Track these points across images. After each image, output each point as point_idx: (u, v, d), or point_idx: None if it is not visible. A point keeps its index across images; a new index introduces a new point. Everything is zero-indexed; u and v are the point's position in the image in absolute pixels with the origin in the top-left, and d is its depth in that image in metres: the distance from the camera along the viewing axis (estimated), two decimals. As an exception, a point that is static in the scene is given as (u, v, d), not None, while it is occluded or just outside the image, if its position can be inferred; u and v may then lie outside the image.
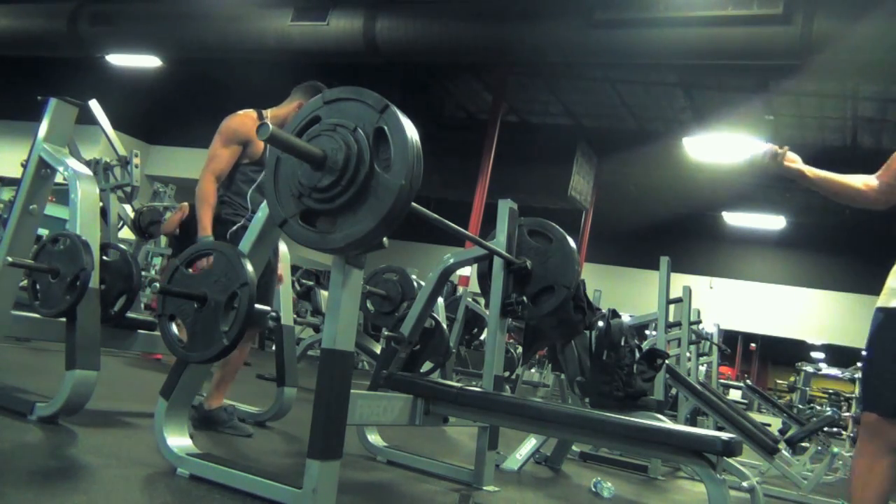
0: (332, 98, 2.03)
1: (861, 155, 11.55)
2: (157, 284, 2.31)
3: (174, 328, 2.34)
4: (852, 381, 10.02)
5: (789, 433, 5.78)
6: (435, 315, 3.23)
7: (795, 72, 8.29)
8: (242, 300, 2.19)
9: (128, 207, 6.26)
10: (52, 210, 5.70)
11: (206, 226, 2.96)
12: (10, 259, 2.77)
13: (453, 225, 2.63)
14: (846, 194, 2.30)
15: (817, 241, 14.95)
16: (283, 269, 3.48)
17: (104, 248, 3.00)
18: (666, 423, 2.79)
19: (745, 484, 3.31)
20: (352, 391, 2.14)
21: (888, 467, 2.00)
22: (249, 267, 2.23)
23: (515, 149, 12.01)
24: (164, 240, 7.93)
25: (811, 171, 2.30)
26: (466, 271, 9.98)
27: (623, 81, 11.71)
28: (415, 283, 4.87)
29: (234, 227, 3.11)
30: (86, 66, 11.49)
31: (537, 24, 8.13)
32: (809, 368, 10.57)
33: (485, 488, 2.96)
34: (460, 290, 7.65)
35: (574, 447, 4.43)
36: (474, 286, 5.57)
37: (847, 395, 11.07)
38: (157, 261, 8.65)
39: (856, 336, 14.85)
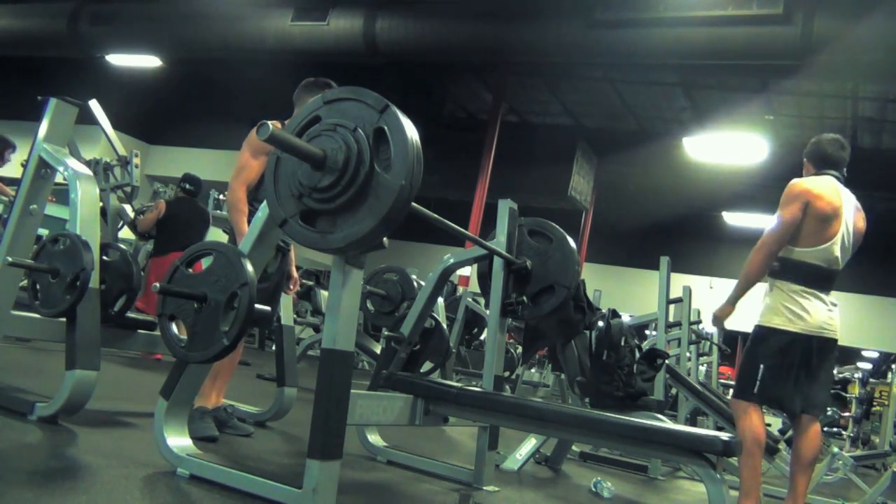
0: (332, 98, 2.03)
1: (861, 155, 11.53)
2: (157, 284, 2.31)
3: (174, 328, 2.34)
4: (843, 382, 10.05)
5: (789, 433, 5.78)
6: (435, 315, 3.23)
7: (795, 72, 8.28)
8: (242, 300, 2.18)
9: (128, 207, 6.25)
10: (52, 210, 5.69)
11: (244, 231, 2.95)
12: (10, 259, 2.77)
13: (453, 225, 2.63)
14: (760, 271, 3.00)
15: (817, 241, 14.91)
16: (295, 276, 3.48)
17: (104, 248, 3.00)
18: (666, 423, 2.79)
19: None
20: (352, 391, 2.14)
21: None
22: (249, 267, 2.23)
23: (515, 149, 12.00)
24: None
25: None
26: (466, 271, 9.97)
27: (623, 81, 11.70)
28: (415, 283, 4.87)
29: None
30: (86, 66, 11.49)
31: (537, 24, 8.13)
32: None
33: (485, 488, 2.97)
34: (460, 290, 7.65)
35: (574, 447, 4.42)
36: (474, 286, 5.57)
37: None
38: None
39: (855, 336, 14.85)
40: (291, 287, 3.47)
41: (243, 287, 2.19)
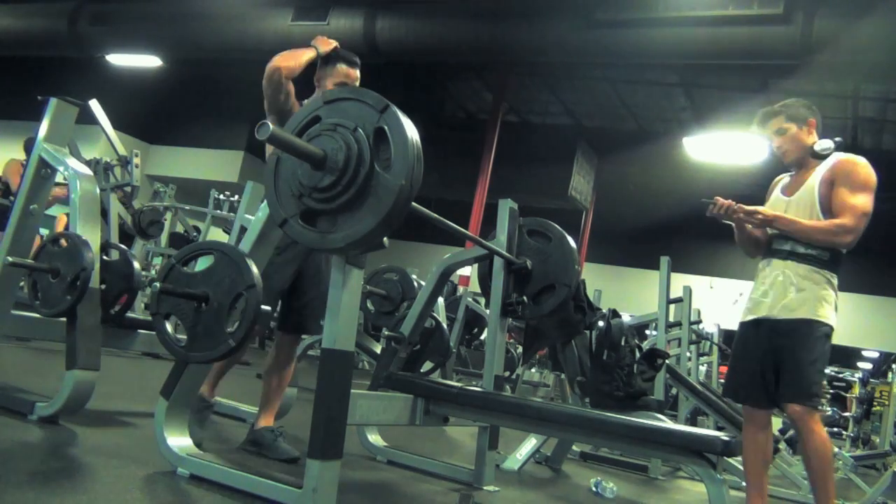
0: (333, 98, 2.03)
1: (862, 155, 11.52)
2: (158, 284, 2.30)
3: (169, 327, 2.34)
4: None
5: (789, 433, 5.78)
6: (435, 315, 3.23)
7: (795, 72, 8.29)
8: (250, 303, 2.18)
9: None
10: (53, 210, 5.69)
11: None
12: (10, 259, 2.77)
13: (453, 225, 2.63)
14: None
15: (817, 241, 14.93)
16: None
17: (104, 248, 3.00)
18: (666, 423, 2.79)
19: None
20: (352, 391, 2.14)
21: (764, 440, 2.73)
22: (255, 269, 2.22)
23: (515, 149, 12.02)
24: (164, 240, 7.92)
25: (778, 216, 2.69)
26: (466, 271, 9.98)
27: (623, 81, 11.71)
28: (415, 283, 4.87)
29: None
30: (86, 66, 11.49)
31: (537, 24, 8.13)
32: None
33: (485, 488, 2.96)
34: (460, 290, 7.65)
35: (574, 447, 4.42)
36: (474, 286, 5.57)
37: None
38: (157, 260, 8.65)
39: (856, 336, 14.85)
40: None
41: (250, 289, 2.18)
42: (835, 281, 2.65)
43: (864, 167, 2.66)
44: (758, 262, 2.83)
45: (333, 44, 2.95)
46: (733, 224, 2.82)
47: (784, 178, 2.89)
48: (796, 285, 2.63)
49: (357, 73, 2.98)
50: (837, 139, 2.76)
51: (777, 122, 2.80)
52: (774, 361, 2.64)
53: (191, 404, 2.94)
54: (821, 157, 2.73)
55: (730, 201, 2.71)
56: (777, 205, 2.79)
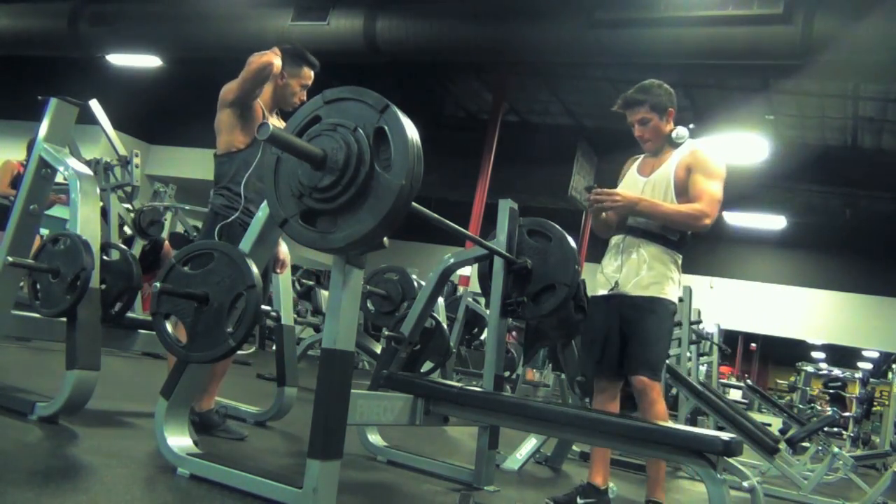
0: (333, 98, 2.03)
1: (862, 155, 11.54)
2: (157, 284, 2.30)
3: (169, 327, 2.34)
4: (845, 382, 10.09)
5: (790, 433, 5.78)
6: (435, 315, 3.23)
7: (796, 71, 8.28)
8: (250, 302, 2.18)
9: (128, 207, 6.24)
10: (53, 210, 5.69)
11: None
12: (10, 259, 2.77)
13: (453, 225, 2.64)
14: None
15: (818, 241, 14.93)
16: (284, 258, 3.37)
17: (104, 248, 3.00)
18: (666, 423, 2.79)
19: (745, 484, 3.30)
20: (352, 391, 2.14)
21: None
22: (255, 269, 2.23)
23: (515, 149, 12.00)
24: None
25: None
26: (466, 271, 9.97)
27: (623, 81, 11.63)
28: (415, 283, 4.87)
29: (224, 222, 2.93)
30: (86, 66, 11.48)
31: (537, 24, 8.13)
32: (810, 368, 10.58)
33: (485, 488, 2.96)
34: (460, 290, 7.65)
35: (574, 447, 4.42)
36: (474, 286, 5.56)
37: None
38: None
39: (856, 336, 14.86)
40: (279, 270, 3.36)
41: (250, 289, 2.18)
42: (679, 261, 2.88)
43: (718, 157, 2.87)
44: (610, 240, 3.02)
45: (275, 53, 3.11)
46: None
47: (638, 159, 3.07)
48: (648, 264, 2.83)
49: (313, 76, 3.24)
50: (691, 126, 2.94)
51: (642, 111, 2.95)
52: (623, 335, 2.80)
53: (206, 422, 3.00)
54: (676, 144, 2.91)
55: (605, 190, 2.83)
56: (634, 184, 2.95)
